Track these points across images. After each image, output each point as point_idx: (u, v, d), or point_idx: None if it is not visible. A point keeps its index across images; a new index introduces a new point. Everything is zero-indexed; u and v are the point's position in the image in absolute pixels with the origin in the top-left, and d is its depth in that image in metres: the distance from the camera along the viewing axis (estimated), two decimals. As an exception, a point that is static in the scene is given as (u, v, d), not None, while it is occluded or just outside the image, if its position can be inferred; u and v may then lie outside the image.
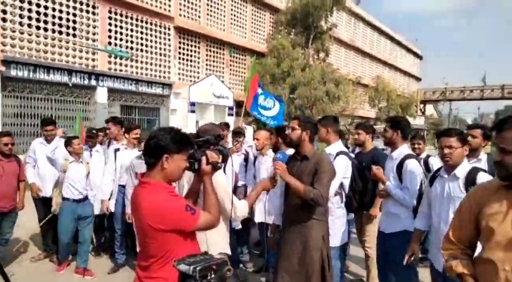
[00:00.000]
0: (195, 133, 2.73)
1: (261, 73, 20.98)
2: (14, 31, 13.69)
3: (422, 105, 45.68)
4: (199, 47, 20.93)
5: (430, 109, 51.03)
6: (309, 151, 3.26)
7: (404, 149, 3.76)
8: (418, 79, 49.18)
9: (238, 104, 22.68)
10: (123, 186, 4.79)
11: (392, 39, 41.04)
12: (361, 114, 30.48)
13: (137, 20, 17.54)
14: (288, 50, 20.26)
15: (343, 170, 3.78)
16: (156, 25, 18.35)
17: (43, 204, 5.07)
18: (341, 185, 3.80)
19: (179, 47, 19.83)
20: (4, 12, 13.43)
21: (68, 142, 4.57)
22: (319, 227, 3.16)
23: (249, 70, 7.19)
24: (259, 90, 7.21)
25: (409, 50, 45.79)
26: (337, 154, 3.88)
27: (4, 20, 13.44)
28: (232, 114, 21.92)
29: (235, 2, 22.78)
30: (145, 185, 2.01)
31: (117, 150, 5.05)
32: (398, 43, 42.74)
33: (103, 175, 5.05)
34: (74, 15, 15.38)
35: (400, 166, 3.64)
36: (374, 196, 4.37)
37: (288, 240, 3.23)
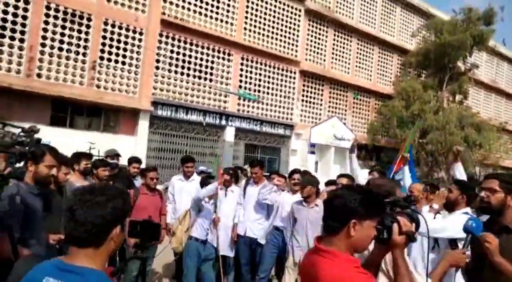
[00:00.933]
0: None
1: (387, 116, 19.94)
2: (163, 77, 15.77)
3: None
4: (322, 90, 21.05)
5: None
6: None
7: None
8: None
9: (359, 147, 21.79)
10: (277, 228, 4.65)
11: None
12: (507, 164, 26.23)
13: (265, 65, 18.59)
14: (419, 92, 18.90)
15: None
16: (282, 69, 19.16)
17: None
18: None
19: (303, 90, 20.24)
20: (158, 61, 15.62)
21: (205, 181, 4.70)
22: None
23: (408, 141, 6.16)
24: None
25: None
26: None
27: (157, 68, 15.61)
28: (353, 158, 21.04)
29: (361, 45, 22.55)
30: (325, 254, 1.65)
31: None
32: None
33: (235, 216, 5.04)
34: (212, 62, 17.06)
35: None
36: None
37: None
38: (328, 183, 4.74)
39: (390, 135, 19.99)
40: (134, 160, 5.75)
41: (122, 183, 4.79)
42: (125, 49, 14.86)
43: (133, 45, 15.02)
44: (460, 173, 4.74)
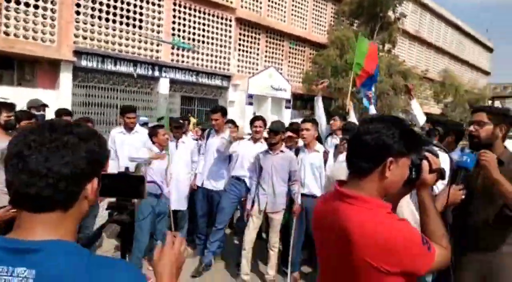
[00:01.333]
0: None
1: (321, 65, 20.21)
2: (85, 23, 14.10)
3: (490, 102, 42.14)
4: (259, 39, 20.54)
5: (498, 106, 47.01)
6: (504, 153, 2.45)
7: None
8: (487, 73, 45.38)
9: (295, 97, 22.12)
10: (238, 178, 4.42)
11: (460, 30, 38.02)
12: (426, 110, 28.51)
13: (200, 12, 17.47)
14: (352, 41, 19.25)
15: None
16: (218, 16, 18.19)
17: None
18: None
19: (239, 39, 19.56)
20: (78, 5, 13.84)
21: (153, 132, 4.29)
22: None
23: (361, 45, 6.20)
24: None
25: (478, 42, 42.27)
26: None
27: (77, 13, 13.86)
28: (289, 107, 21.38)
29: (296, -8, 22.07)
30: (353, 200, 1.43)
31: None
32: (467, 35, 39.54)
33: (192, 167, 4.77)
34: (141, 7, 15.57)
35: None
36: None
37: (466, 276, 2.41)
38: (288, 130, 4.67)
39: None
40: (63, 112, 5.05)
41: None
42: (36, -10, 12.88)
43: (45, -16, 13.05)
44: (416, 108, 4.94)
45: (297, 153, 4.29)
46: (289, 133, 4.62)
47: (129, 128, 4.80)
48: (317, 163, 4.09)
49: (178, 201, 4.59)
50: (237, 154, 4.47)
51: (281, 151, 4.09)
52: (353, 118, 5.60)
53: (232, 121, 5.34)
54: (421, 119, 4.75)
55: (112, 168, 4.74)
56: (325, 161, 4.08)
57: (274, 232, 4.09)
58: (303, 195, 4.10)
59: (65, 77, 13.63)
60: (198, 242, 4.75)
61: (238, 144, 4.48)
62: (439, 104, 30.09)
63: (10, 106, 3.61)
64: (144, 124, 6.06)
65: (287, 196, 4.12)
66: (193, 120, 15.68)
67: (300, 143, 4.66)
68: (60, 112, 4.99)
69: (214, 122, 4.74)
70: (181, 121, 5.06)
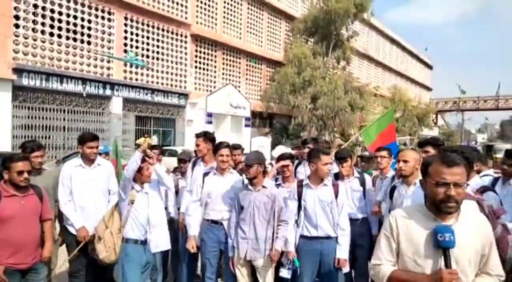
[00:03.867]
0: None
1: (280, 83, 20.14)
2: (26, 38, 12.82)
3: (434, 116, 44.79)
4: (215, 56, 20.09)
5: (439, 120, 50.12)
6: None
7: None
8: (429, 89, 48.37)
9: (254, 114, 21.81)
10: (214, 222, 3.63)
11: (403, 48, 40.34)
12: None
13: (153, 27, 16.71)
14: (309, 59, 19.41)
15: None
16: (172, 32, 17.53)
17: (77, 245, 3.86)
18: None
19: (196, 56, 18.98)
20: (17, 18, 12.57)
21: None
22: None
23: (385, 118, 5.92)
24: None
25: (419, 59, 45.09)
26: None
27: (17, 26, 12.57)
28: (249, 125, 20.99)
29: (251, 9, 22.03)
30: None
31: (205, 174, 3.82)
32: (409, 53, 42.04)
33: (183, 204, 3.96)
34: (89, 21, 14.54)
35: None
36: None
37: None
38: (281, 158, 3.97)
39: (284, 102, 20.33)
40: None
41: None
42: (-33, 0, 11.50)
43: (-21, -5, 11.72)
44: None
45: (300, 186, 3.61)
46: (282, 163, 3.93)
47: (89, 160, 3.85)
48: (328, 199, 3.46)
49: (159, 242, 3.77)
50: (207, 193, 3.73)
51: (263, 187, 3.48)
52: None
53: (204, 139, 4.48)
54: None
55: (70, 211, 3.73)
56: (336, 195, 3.49)
57: None
58: (316, 237, 3.43)
59: (3, 97, 12.21)
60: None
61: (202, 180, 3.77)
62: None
63: None
64: (103, 153, 5.07)
65: (272, 240, 3.43)
66: (152, 140, 14.70)
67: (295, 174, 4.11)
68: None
69: (196, 149, 4.03)
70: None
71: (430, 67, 48.94)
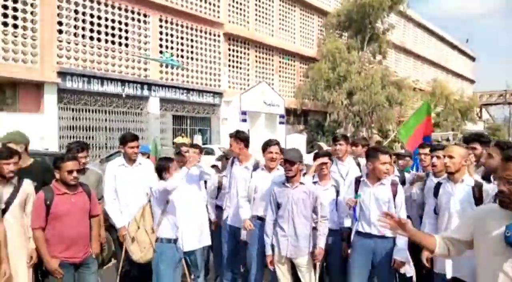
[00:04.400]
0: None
1: (314, 79, 19.88)
2: (69, 43, 13.42)
3: (478, 110, 42.63)
4: (248, 54, 20.15)
5: (484, 113, 47.64)
6: None
7: None
8: (472, 81, 46.10)
9: (288, 111, 21.68)
10: (260, 218, 3.60)
11: (442, 40, 38.66)
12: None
13: (187, 27, 17.00)
14: (344, 53, 19.02)
15: None
16: (205, 32, 17.75)
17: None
18: None
19: (229, 55, 19.13)
20: (60, 23, 13.18)
21: (164, 166, 3.45)
22: None
23: (419, 112, 5.77)
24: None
25: (461, 51, 43.05)
26: None
27: (60, 32, 13.18)
28: (283, 123, 20.87)
29: (282, 6, 21.90)
30: None
31: (254, 170, 3.82)
32: (449, 44, 40.24)
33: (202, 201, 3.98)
34: (126, 24, 15.00)
35: None
36: None
37: None
38: (319, 155, 3.88)
39: (318, 98, 20.06)
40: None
41: (37, 178, 3.32)
42: (15, 9, 12.18)
43: (25, 3, 12.38)
44: None
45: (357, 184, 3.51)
46: (322, 160, 3.81)
47: (131, 160, 3.95)
48: (385, 198, 3.35)
49: (187, 240, 3.76)
50: (255, 188, 3.69)
51: (301, 183, 3.42)
52: None
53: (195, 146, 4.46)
54: None
55: (113, 210, 3.84)
56: (394, 195, 3.35)
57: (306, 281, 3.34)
58: (370, 235, 3.32)
59: (50, 100, 12.85)
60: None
61: (251, 176, 3.73)
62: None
63: None
64: (144, 153, 5.13)
65: (312, 237, 3.36)
66: (186, 140, 15.00)
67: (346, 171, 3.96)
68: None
69: (229, 149, 4.03)
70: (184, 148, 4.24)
71: (472, 59, 46.62)
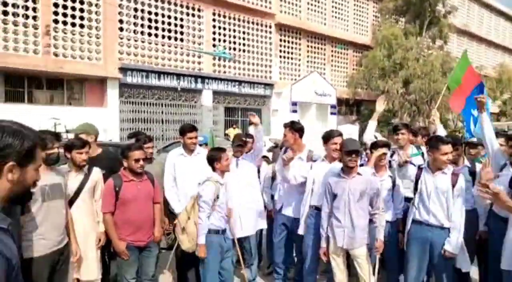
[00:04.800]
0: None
1: (368, 67, 19.25)
2: (129, 40, 14.16)
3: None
4: (299, 44, 19.95)
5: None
6: None
7: None
8: (546, 65, 41.91)
9: (340, 102, 21.22)
10: (318, 208, 3.62)
11: (512, 20, 35.42)
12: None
13: (239, 20, 17.18)
14: (401, 40, 18.16)
15: None
16: (257, 23, 17.82)
17: None
18: None
19: (280, 45, 19.07)
20: (121, 22, 13.93)
21: (215, 156, 3.52)
22: None
23: (461, 63, 5.50)
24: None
25: (534, 32, 39.17)
26: None
27: (121, 29, 13.94)
28: (334, 113, 20.52)
29: (336, -7, 21.33)
30: None
31: (315, 160, 3.85)
32: (521, 25, 36.75)
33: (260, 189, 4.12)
34: (181, 19, 15.49)
35: None
36: None
37: None
38: (377, 145, 3.81)
39: (372, 87, 19.41)
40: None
41: (105, 166, 3.60)
42: (82, 10, 13.08)
43: (90, 4, 13.23)
44: (442, 133, 4.24)
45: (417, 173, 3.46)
46: (382, 150, 3.73)
47: (190, 150, 4.16)
48: (444, 187, 3.28)
49: (242, 227, 3.89)
50: (313, 179, 3.72)
51: (358, 174, 3.40)
52: (442, 131, 4.50)
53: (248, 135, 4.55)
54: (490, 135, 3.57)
55: (172, 197, 4.01)
56: (453, 185, 3.27)
57: (364, 274, 3.29)
58: (428, 224, 3.28)
59: (112, 94, 13.70)
60: (277, 276, 4.09)
61: (310, 167, 3.75)
62: (494, 102, 27.87)
63: (51, 138, 2.96)
64: (203, 144, 5.34)
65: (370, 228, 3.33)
66: (237, 131, 15.29)
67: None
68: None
69: (283, 140, 4.08)
70: (243, 139, 4.35)
71: (547, 40, 42.26)
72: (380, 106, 4.22)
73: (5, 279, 1.20)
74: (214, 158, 3.58)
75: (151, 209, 3.53)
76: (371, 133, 4.39)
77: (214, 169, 3.58)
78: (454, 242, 3.17)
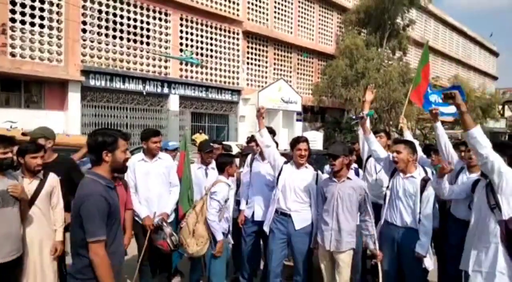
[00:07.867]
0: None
1: (332, 76, 19.81)
2: (92, 41, 13.77)
3: (500, 107, 41.49)
4: (267, 52, 20.21)
5: (507, 111, 46.30)
6: None
7: None
8: (494, 78, 44.93)
9: (306, 109, 21.66)
10: (284, 213, 3.68)
11: (465, 35, 37.74)
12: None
13: (207, 25, 17.18)
14: (363, 50, 18.87)
15: None
16: (225, 30, 17.89)
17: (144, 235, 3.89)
18: None
19: (248, 52, 19.23)
20: (84, 23, 13.54)
21: (226, 162, 3.68)
22: None
23: (424, 58, 5.64)
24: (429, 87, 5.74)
25: (483, 46, 41.94)
26: None
27: (84, 31, 13.54)
28: (300, 120, 20.91)
29: (301, 3, 21.83)
30: None
31: (285, 163, 3.85)
32: (472, 40, 39.24)
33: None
34: (148, 23, 15.27)
35: None
36: None
37: None
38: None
39: (336, 95, 19.98)
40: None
41: (63, 172, 3.43)
42: (42, 9, 12.59)
43: (51, 4, 12.77)
44: (410, 137, 4.52)
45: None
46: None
47: (152, 155, 4.13)
48: (411, 190, 3.42)
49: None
50: (282, 185, 3.75)
51: (348, 178, 3.45)
52: (409, 136, 4.67)
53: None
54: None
55: (135, 201, 3.90)
56: (422, 189, 3.30)
57: (341, 279, 3.35)
58: (395, 225, 3.42)
59: (74, 98, 13.24)
60: (242, 281, 4.11)
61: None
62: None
63: (5, 142, 2.84)
64: (166, 149, 5.26)
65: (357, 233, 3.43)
66: (203, 137, 15.21)
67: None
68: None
69: (255, 147, 4.16)
70: (212, 145, 4.37)
71: (496, 54, 45.38)
72: (369, 96, 4.26)
73: (107, 216, 2.04)
74: (227, 162, 3.70)
75: (122, 215, 3.47)
76: (378, 146, 3.97)
77: (222, 172, 3.68)
78: (425, 245, 3.33)
